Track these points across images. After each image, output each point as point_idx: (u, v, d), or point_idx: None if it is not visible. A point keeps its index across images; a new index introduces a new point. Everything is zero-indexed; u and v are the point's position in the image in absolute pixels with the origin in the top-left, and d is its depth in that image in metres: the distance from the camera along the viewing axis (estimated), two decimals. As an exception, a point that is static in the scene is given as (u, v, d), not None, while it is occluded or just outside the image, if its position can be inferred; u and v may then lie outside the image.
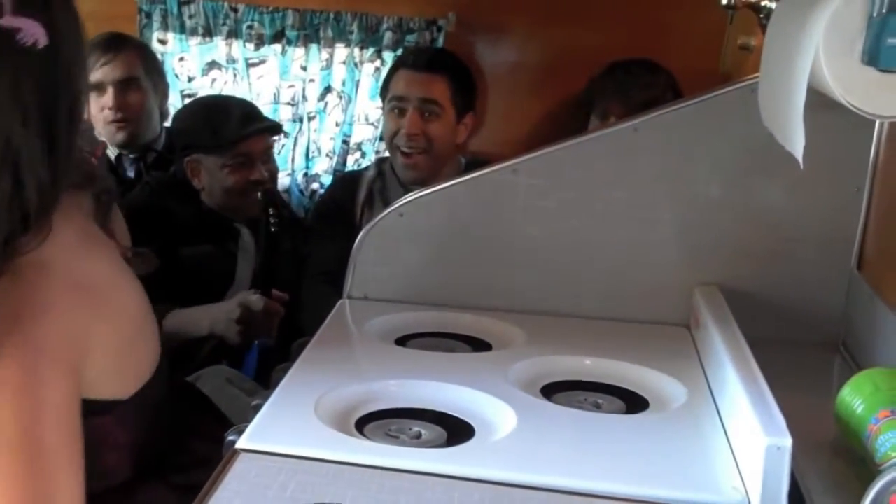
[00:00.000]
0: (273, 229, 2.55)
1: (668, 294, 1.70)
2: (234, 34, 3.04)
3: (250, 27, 3.03)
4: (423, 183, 2.68)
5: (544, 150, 1.72)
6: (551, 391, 1.43)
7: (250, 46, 3.05)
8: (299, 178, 3.14)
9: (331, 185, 3.01)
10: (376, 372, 1.43)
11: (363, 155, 3.12)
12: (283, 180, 3.06)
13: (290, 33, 3.02)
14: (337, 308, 1.70)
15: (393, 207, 1.72)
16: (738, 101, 1.63)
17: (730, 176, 1.69)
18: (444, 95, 2.71)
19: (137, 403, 1.23)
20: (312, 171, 3.14)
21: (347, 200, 2.79)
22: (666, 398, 1.41)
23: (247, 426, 1.24)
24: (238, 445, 1.19)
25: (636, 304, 1.70)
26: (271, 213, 2.55)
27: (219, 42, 3.06)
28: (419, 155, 2.69)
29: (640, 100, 2.69)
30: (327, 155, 3.11)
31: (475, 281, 1.73)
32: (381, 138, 2.97)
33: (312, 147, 3.11)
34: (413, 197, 1.73)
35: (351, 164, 3.11)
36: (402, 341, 1.58)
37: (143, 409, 1.25)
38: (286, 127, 3.02)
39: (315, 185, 3.13)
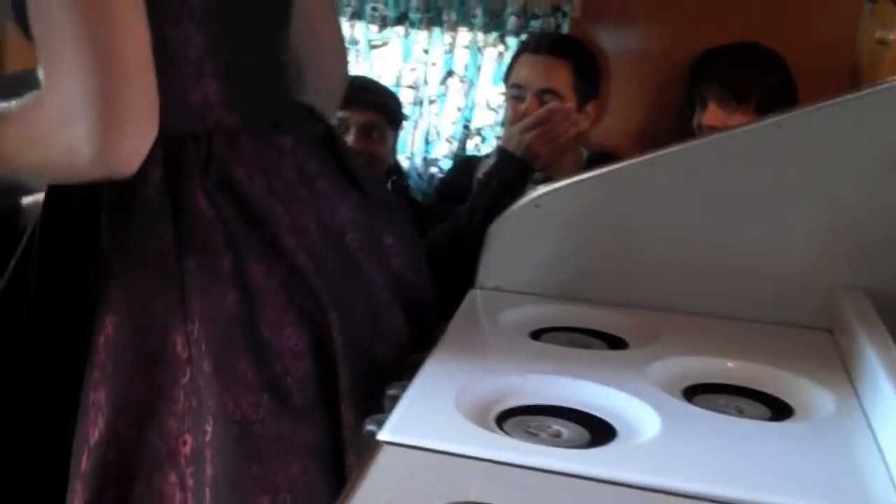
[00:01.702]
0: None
1: (810, 296, 1.65)
2: (357, 15, 3.05)
3: (374, 8, 3.03)
4: (541, 170, 2.68)
5: (682, 146, 1.68)
6: (692, 393, 1.39)
7: (373, 28, 3.05)
8: (418, 161, 3.13)
9: (450, 169, 3.01)
10: (513, 366, 1.41)
11: (483, 140, 3.11)
12: (401, 163, 3.07)
13: (414, 16, 3.01)
14: (468, 298, 1.68)
15: (528, 198, 1.70)
16: (888, 100, 1.57)
17: (874, 177, 1.63)
18: (566, 83, 2.68)
19: None
20: (431, 156, 3.13)
21: (465, 184, 2.77)
22: (812, 406, 1.37)
23: (384, 416, 1.23)
24: (380, 437, 1.18)
25: (775, 306, 1.66)
26: (393, 179, 2.54)
27: (342, 22, 3.06)
28: None
29: (735, 81, 2.64)
30: (447, 139, 3.10)
31: (610, 275, 1.70)
32: (502, 124, 2.95)
33: (432, 131, 3.11)
34: (548, 188, 1.70)
35: (471, 149, 3.10)
36: (536, 335, 1.55)
37: None
38: (407, 110, 3.02)
39: (434, 170, 3.13)
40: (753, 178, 1.65)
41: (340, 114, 2.53)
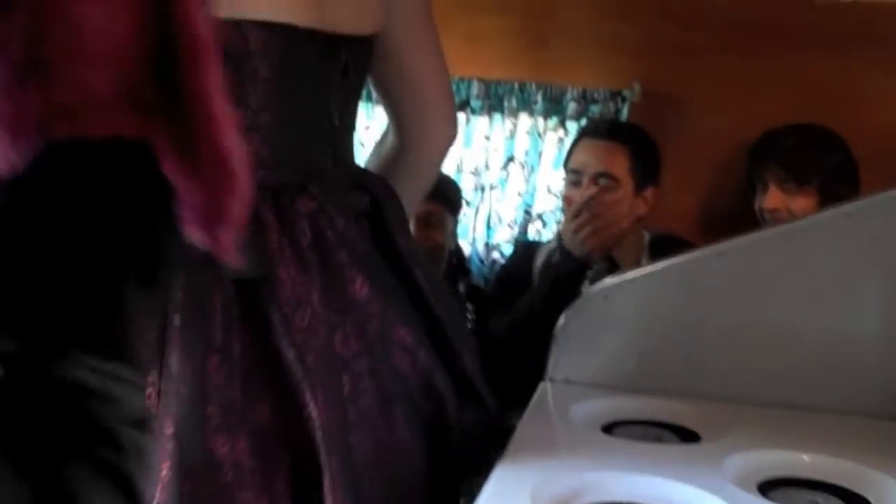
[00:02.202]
0: (469, 326, 2.54)
1: (883, 386, 1.64)
2: (419, 104, 3.09)
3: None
4: (600, 254, 2.69)
5: (751, 236, 1.69)
6: (768, 488, 1.38)
7: (435, 115, 3.08)
8: (480, 247, 3.15)
9: (511, 254, 3.02)
10: (587, 462, 1.41)
11: (544, 225, 3.12)
12: (464, 249, 3.09)
13: (475, 103, 3.05)
14: (539, 391, 1.69)
15: (597, 289, 1.71)
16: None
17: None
18: (622, 167, 2.70)
19: None
20: (493, 241, 3.15)
21: (526, 269, 2.79)
22: (891, 500, 1.35)
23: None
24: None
25: (849, 396, 1.64)
26: (469, 309, 2.55)
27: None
28: None
29: (796, 164, 2.64)
30: (508, 224, 3.12)
31: (681, 366, 1.70)
32: (563, 209, 2.96)
33: (494, 216, 3.13)
34: (617, 280, 1.71)
35: (532, 235, 3.11)
36: (608, 428, 1.55)
37: None
38: (468, 196, 3.05)
39: (495, 255, 3.14)
40: (824, 267, 1.65)
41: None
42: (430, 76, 1.56)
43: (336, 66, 1.32)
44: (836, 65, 2.83)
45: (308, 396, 1.22)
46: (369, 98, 3.09)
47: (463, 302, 2.56)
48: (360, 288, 1.28)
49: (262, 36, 1.22)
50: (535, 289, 2.48)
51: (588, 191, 2.67)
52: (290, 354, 1.22)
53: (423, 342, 1.37)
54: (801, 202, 2.64)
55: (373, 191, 1.42)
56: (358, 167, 1.45)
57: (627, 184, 2.70)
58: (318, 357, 1.23)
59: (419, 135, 1.57)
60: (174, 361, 1.21)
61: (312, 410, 1.22)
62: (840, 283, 1.65)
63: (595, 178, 2.69)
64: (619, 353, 1.71)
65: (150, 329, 1.21)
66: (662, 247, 2.74)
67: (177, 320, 1.22)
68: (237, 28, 1.20)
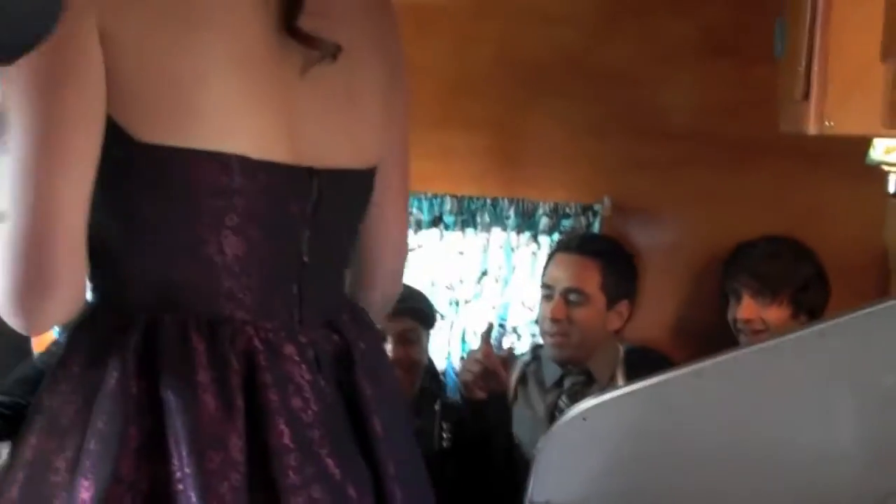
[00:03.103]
0: (445, 445, 2.54)
1: (861, 502, 1.64)
2: (393, 220, 3.10)
3: (409, 213, 3.08)
4: (572, 364, 2.73)
5: (729, 354, 1.70)
6: None
7: (408, 232, 3.10)
8: (454, 360, 3.15)
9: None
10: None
11: (518, 338, 3.13)
12: (438, 363, 3.08)
13: (448, 218, 3.07)
14: (520, 514, 1.68)
15: (575, 411, 1.71)
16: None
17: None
18: (593, 283, 2.74)
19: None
20: (467, 355, 3.14)
21: (500, 382, 2.79)
22: None
23: None
24: None
25: (830, 514, 1.65)
26: (444, 427, 2.55)
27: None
28: (561, 337, 2.72)
29: (768, 275, 2.68)
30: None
31: (660, 487, 1.70)
32: (537, 322, 2.97)
33: (468, 330, 3.13)
34: (595, 401, 1.72)
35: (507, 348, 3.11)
36: (590, 553, 1.55)
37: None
38: (443, 310, 3.05)
39: (470, 368, 3.13)
40: (799, 386, 1.67)
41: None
42: (390, 230, 1.51)
43: (307, 202, 1.29)
44: (802, 178, 2.90)
45: None
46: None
47: (439, 421, 2.55)
48: (279, 435, 1.21)
49: (244, 171, 1.21)
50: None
51: (557, 305, 2.71)
52: (191, 495, 1.16)
53: (366, 494, 1.28)
54: (774, 313, 2.68)
55: (343, 331, 1.36)
56: (336, 304, 1.39)
57: (598, 299, 2.74)
58: (221, 502, 1.16)
59: (363, 280, 1.53)
60: (81, 489, 1.17)
61: None
62: (816, 402, 1.67)
63: (565, 294, 2.73)
64: (600, 474, 1.71)
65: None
66: (637, 360, 2.76)
67: (92, 444, 1.18)
68: (223, 161, 1.19)
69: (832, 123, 1.43)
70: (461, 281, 3.12)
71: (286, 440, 1.21)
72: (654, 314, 3.01)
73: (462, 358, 3.13)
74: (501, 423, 2.61)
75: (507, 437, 2.63)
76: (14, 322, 1.17)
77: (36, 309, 1.16)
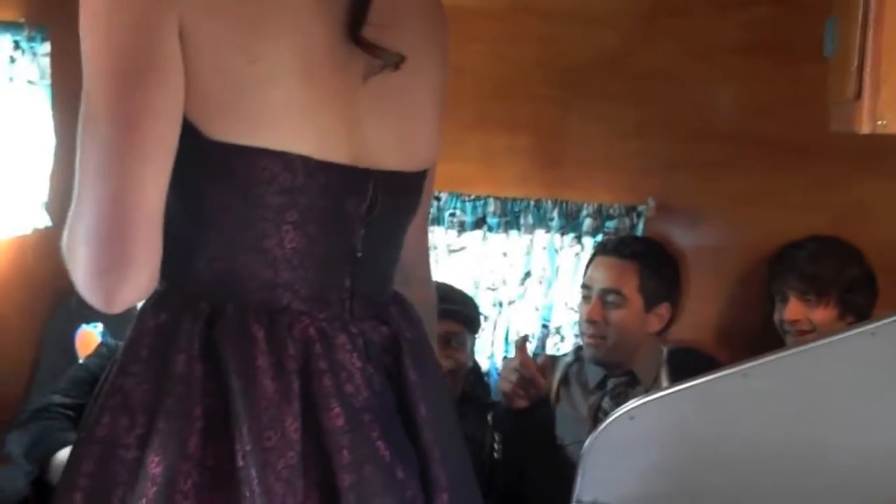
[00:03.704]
0: (496, 456, 2.54)
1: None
2: (436, 221, 3.12)
3: (452, 214, 3.10)
4: (611, 366, 2.77)
5: (777, 354, 1.69)
6: None
7: (451, 233, 3.12)
8: (498, 362, 3.16)
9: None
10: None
11: (562, 339, 3.13)
12: (482, 363, 3.10)
13: (491, 220, 3.08)
14: (568, 513, 1.69)
15: (622, 410, 1.71)
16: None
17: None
18: (630, 285, 2.73)
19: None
20: (511, 356, 3.15)
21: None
22: None
23: None
24: None
25: (879, 514, 1.64)
26: (497, 439, 2.55)
27: (420, 229, 3.13)
28: (599, 339, 2.72)
29: (815, 276, 2.67)
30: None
31: (707, 486, 1.70)
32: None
33: (512, 331, 3.14)
34: (642, 400, 1.72)
35: (550, 349, 3.12)
36: (638, 552, 1.55)
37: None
38: (486, 311, 3.06)
39: (514, 369, 3.14)
40: (849, 385, 1.66)
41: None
42: (417, 237, 1.57)
43: (363, 201, 1.34)
44: (847, 177, 2.87)
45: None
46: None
47: (491, 431, 2.56)
48: (335, 417, 1.26)
49: (308, 170, 1.26)
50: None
51: (594, 307, 2.71)
52: (252, 471, 1.22)
53: (413, 478, 1.33)
54: (821, 313, 2.67)
55: (391, 322, 1.42)
56: (386, 298, 1.44)
57: (636, 301, 2.74)
58: (278, 479, 1.23)
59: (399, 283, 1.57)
60: (151, 465, 1.23)
61: None
62: (864, 401, 1.65)
63: (602, 295, 2.73)
64: (646, 473, 1.71)
65: None
66: (682, 360, 2.76)
67: (161, 423, 1.24)
68: (287, 161, 1.24)
69: (885, 122, 1.43)
70: (504, 282, 3.13)
71: (340, 422, 1.27)
72: (699, 315, 3.01)
73: (505, 360, 3.14)
74: (545, 427, 2.61)
75: (551, 438, 2.63)
76: (93, 299, 1.21)
77: (114, 288, 1.20)
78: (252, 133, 1.22)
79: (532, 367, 2.53)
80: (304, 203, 1.28)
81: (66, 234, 1.21)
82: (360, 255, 1.37)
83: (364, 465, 1.27)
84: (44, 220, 2.88)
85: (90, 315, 2.87)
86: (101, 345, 2.69)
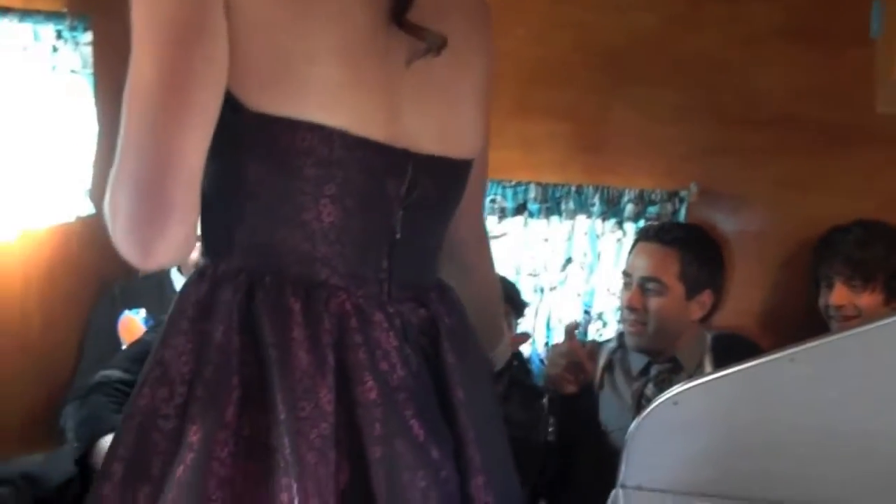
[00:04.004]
0: (550, 438, 2.54)
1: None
2: (476, 207, 3.11)
3: (493, 201, 3.10)
4: (653, 353, 2.74)
5: (824, 339, 1.68)
6: None
7: (493, 219, 3.12)
8: (539, 347, 3.16)
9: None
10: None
11: (604, 325, 3.13)
12: (524, 349, 3.09)
13: (532, 206, 3.08)
14: (611, 498, 1.68)
15: (667, 396, 1.70)
16: None
17: None
18: (671, 272, 2.70)
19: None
20: (553, 341, 3.15)
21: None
22: None
23: None
24: None
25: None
26: (550, 422, 2.55)
27: (462, 215, 3.13)
28: (640, 325, 2.70)
29: (861, 261, 2.64)
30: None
31: (754, 471, 1.68)
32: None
33: (553, 317, 3.14)
34: (687, 386, 1.71)
35: (592, 335, 3.11)
36: (683, 537, 1.54)
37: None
38: (528, 297, 3.06)
39: (556, 355, 3.14)
40: (893, 370, 1.64)
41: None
42: (473, 227, 1.63)
43: (402, 182, 1.36)
44: (892, 162, 2.84)
45: (291, 486, 1.23)
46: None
47: (545, 415, 2.56)
48: (368, 391, 1.28)
49: (345, 145, 1.28)
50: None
51: (635, 294, 2.70)
52: (285, 440, 1.24)
53: (447, 458, 1.35)
54: (867, 299, 2.64)
55: (431, 305, 1.43)
56: (424, 281, 1.45)
57: (677, 288, 2.71)
58: (311, 448, 1.24)
59: (457, 272, 1.59)
60: (190, 433, 1.26)
61: (294, 499, 1.23)
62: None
63: (642, 283, 2.71)
64: (691, 459, 1.70)
65: None
66: (725, 346, 2.74)
67: (199, 392, 1.27)
68: (325, 134, 1.26)
69: (932, 103, 1.41)
70: (546, 268, 3.12)
71: (374, 395, 1.28)
72: (743, 301, 2.99)
73: (546, 345, 3.14)
74: (590, 413, 2.61)
75: (595, 424, 2.62)
76: (130, 251, 1.22)
77: (150, 239, 1.21)
78: (290, 105, 1.25)
79: (581, 353, 2.52)
80: (342, 177, 1.29)
81: (108, 194, 1.22)
82: (398, 236, 1.38)
83: (395, 438, 1.28)
84: (87, 208, 2.90)
85: (133, 301, 2.90)
86: (158, 322, 2.71)
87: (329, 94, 1.27)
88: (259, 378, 1.27)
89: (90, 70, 2.92)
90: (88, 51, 2.91)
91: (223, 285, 1.31)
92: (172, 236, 1.21)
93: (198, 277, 1.34)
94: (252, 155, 1.28)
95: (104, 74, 2.95)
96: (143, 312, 2.84)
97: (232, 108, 1.24)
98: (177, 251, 1.23)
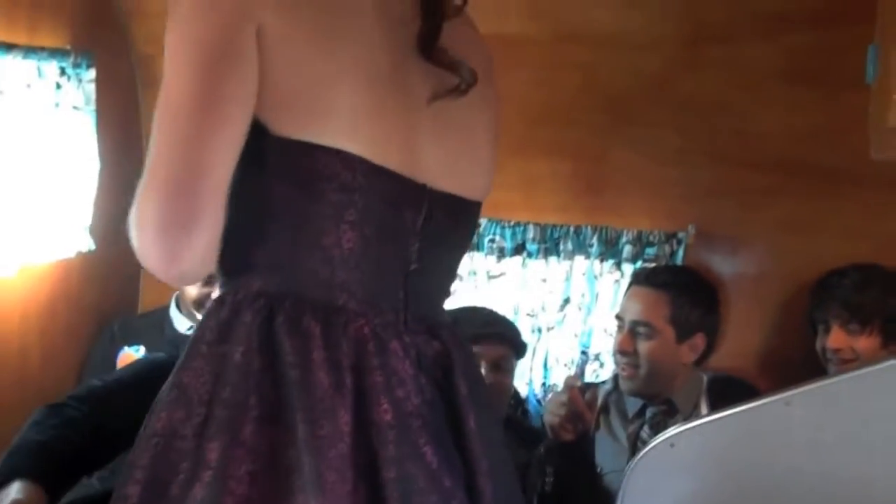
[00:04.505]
0: (547, 488, 2.54)
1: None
2: (476, 247, 3.13)
3: (492, 240, 3.11)
4: (647, 396, 2.75)
5: (820, 382, 1.68)
6: None
7: (491, 259, 3.13)
8: (536, 387, 3.16)
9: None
10: None
11: (601, 365, 3.13)
12: (521, 389, 3.09)
13: (531, 246, 3.09)
14: (607, 541, 1.68)
15: (663, 437, 1.70)
16: None
17: None
18: (661, 315, 2.70)
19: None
20: (550, 382, 3.15)
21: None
22: None
23: None
24: None
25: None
26: (548, 472, 2.54)
27: (460, 255, 3.13)
28: (631, 369, 2.70)
29: (858, 304, 2.65)
30: (565, 365, 3.13)
31: (750, 515, 1.68)
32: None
33: (551, 357, 3.14)
34: (683, 427, 1.71)
35: (589, 375, 3.11)
36: (679, 581, 1.54)
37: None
38: (525, 336, 3.06)
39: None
40: (890, 413, 1.64)
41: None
42: None
43: (419, 214, 1.39)
44: (889, 206, 2.84)
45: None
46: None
47: (541, 464, 2.55)
48: (384, 413, 1.30)
49: (366, 172, 1.31)
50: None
51: (624, 338, 2.71)
52: (304, 459, 1.25)
53: (459, 488, 1.36)
54: (864, 342, 2.64)
55: (443, 339, 1.45)
56: (436, 315, 1.48)
57: (668, 332, 2.70)
58: (329, 467, 1.25)
59: None
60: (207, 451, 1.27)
61: None
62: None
63: (633, 326, 2.71)
64: (687, 501, 1.69)
65: None
66: (721, 388, 2.74)
67: (217, 411, 1.29)
68: (347, 159, 1.30)
69: (925, 151, 1.41)
70: (543, 308, 3.13)
71: (389, 417, 1.31)
72: (740, 343, 2.98)
73: (544, 385, 3.14)
74: (586, 457, 2.61)
75: (591, 467, 2.62)
76: (156, 257, 1.25)
77: (177, 245, 1.23)
78: (313, 130, 1.28)
79: (580, 404, 2.52)
80: (363, 204, 1.32)
81: (134, 209, 1.25)
82: (413, 266, 1.41)
83: (406, 461, 1.30)
84: (87, 244, 2.92)
85: (133, 338, 2.90)
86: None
87: (351, 121, 1.30)
88: (278, 398, 1.29)
89: (93, 107, 2.95)
90: (91, 87, 2.93)
91: (243, 309, 1.33)
92: (198, 242, 1.24)
93: (217, 304, 1.36)
94: (277, 177, 1.31)
95: (107, 111, 2.97)
96: (142, 350, 2.85)
97: (257, 133, 1.27)
98: (202, 259, 1.26)
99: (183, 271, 1.27)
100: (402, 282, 1.41)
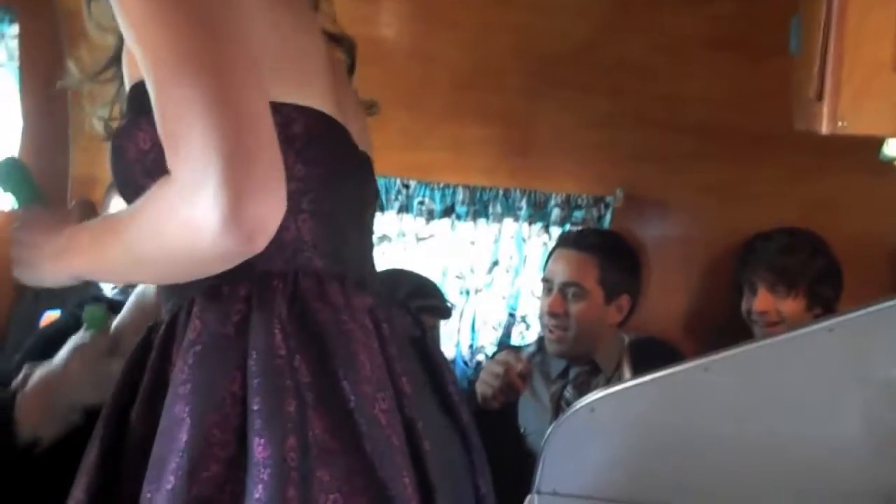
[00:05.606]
0: None
1: (868, 494, 1.65)
2: (405, 209, 3.12)
3: (421, 202, 3.10)
4: (573, 358, 2.80)
5: (737, 349, 1.71)
6: None
7: (420, 220, 3.12)
8: (464, 349, 3.17)
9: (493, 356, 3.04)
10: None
11: (528, 327, 3.15)
12: (448, 351, 3.10)
13: (460, 209, 3.09)
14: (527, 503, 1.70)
15: (583, 402, 1.73)
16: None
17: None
18: (590, 277, 2.75)
19: None
20: (477, 344, 3.17)
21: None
22: None
23: None
24: None
25: (835, 506, 1.66)
26: None
27: (390, 216, 3.14)
28: (561, 331, 2.73)
29: (785, 267, 2.69)
30: (493, 327, 3.15)
31: (668, 478, 1.71)
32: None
33: (479, 319, 3.15)
34: (603, 393, 1.73)
35: (516, 337, 3.13)
36: (596, 543, 1.56)
37: None
38: (453, 298, 3.07)
39: (480, 357, 3.16)
40: (807, 379, 1.68)
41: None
42: None
43: (373, 190, 1.49)
44: (815, 171, 2.89)
45: (404, 473, 1.25)
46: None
47: None
48: (406, 384, 1.32)
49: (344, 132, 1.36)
50: None
51: (555, 299, 2.73)
52: (366, 431, 1.23)
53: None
54: (790, 305, 2.70)
55: (418, 318, 1.50)
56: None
57: (596, 293, 2.76)
58: (382, 411, 1.26)
59: None
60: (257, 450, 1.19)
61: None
62: (823, 396, 1.67)
63: (563, 288, 2.75)
64: (607, 465, 1.72)
65: None
66: (643, 350, 2.79)
67: (255, 405, 1.21)
68: (328, 121, 1.33)
69: (845, 124, 1.43)
70: (472, 270, 3.13)
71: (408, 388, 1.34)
72: (667, 305, 3.03)
73: (471, 347, 3.15)
74: (509, 423, 2.64)
75: (513, 428, 2.65)
76: (221, 208, 1.03)
77: (246, 189, 1.04)
78: (299, 94, 1.28)
79: (515, 376, 2.55)
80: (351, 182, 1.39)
81: (181, 171, 1.06)
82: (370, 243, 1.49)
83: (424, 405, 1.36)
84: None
85: (51, 302, 2.87)
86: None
87: (322, 85, 1.33)
88: (323, 377, 1.25)
89: (16, 63, 2.89)
90: (14, 44, 2.87)
91: (253, 308, 1.27)
92: (267, 180, 1.06)
93: (214, 297, 1.28)
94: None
95: (30, 68, 2.91)
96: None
97: None
98: (274, 201, 1.07)
99: (257, 214, 1.05)
100: (370, 255, 1.48)
